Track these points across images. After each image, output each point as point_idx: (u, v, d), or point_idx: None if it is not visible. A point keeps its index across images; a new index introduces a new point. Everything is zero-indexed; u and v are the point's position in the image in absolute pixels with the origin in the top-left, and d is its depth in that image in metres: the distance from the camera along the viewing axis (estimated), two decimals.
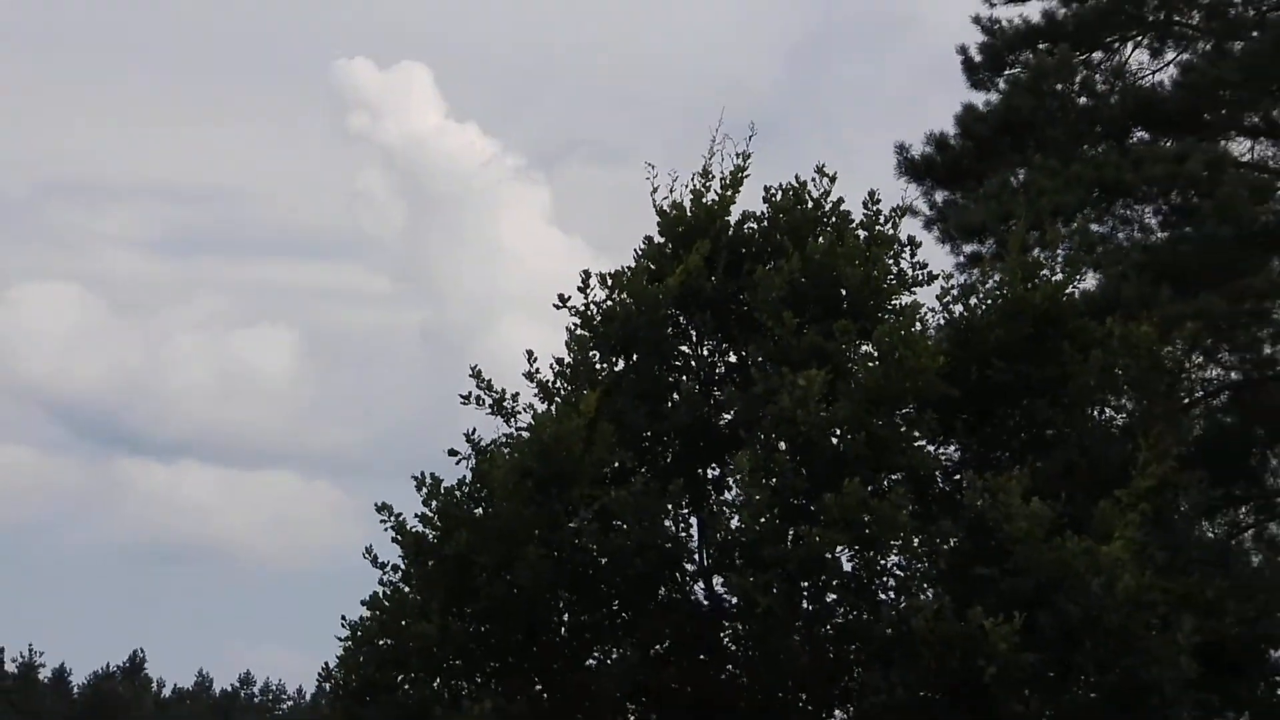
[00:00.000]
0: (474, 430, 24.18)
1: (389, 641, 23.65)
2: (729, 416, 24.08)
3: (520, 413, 24.26)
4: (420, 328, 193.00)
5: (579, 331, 24.50)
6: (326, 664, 24.28)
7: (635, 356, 24.43)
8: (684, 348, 24.68)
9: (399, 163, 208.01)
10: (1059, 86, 29.31)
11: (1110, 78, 30.31)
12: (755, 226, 24.99)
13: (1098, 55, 30.66)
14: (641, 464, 23.80)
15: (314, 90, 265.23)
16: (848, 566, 22.63)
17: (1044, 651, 21.33)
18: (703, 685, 23.54)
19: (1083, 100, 29.63)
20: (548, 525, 22.99)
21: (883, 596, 22.76)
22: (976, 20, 31.24)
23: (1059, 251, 24.88)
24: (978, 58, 31.05)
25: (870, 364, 22.98)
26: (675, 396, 24.21)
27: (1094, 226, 28.61)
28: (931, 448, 23.61)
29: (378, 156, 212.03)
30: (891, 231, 24.79)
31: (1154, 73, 30.56)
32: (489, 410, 24.41)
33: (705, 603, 23.78)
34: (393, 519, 23.82)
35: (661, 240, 24.91)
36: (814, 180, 24.91)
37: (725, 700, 23.41)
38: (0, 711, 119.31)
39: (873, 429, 22.64)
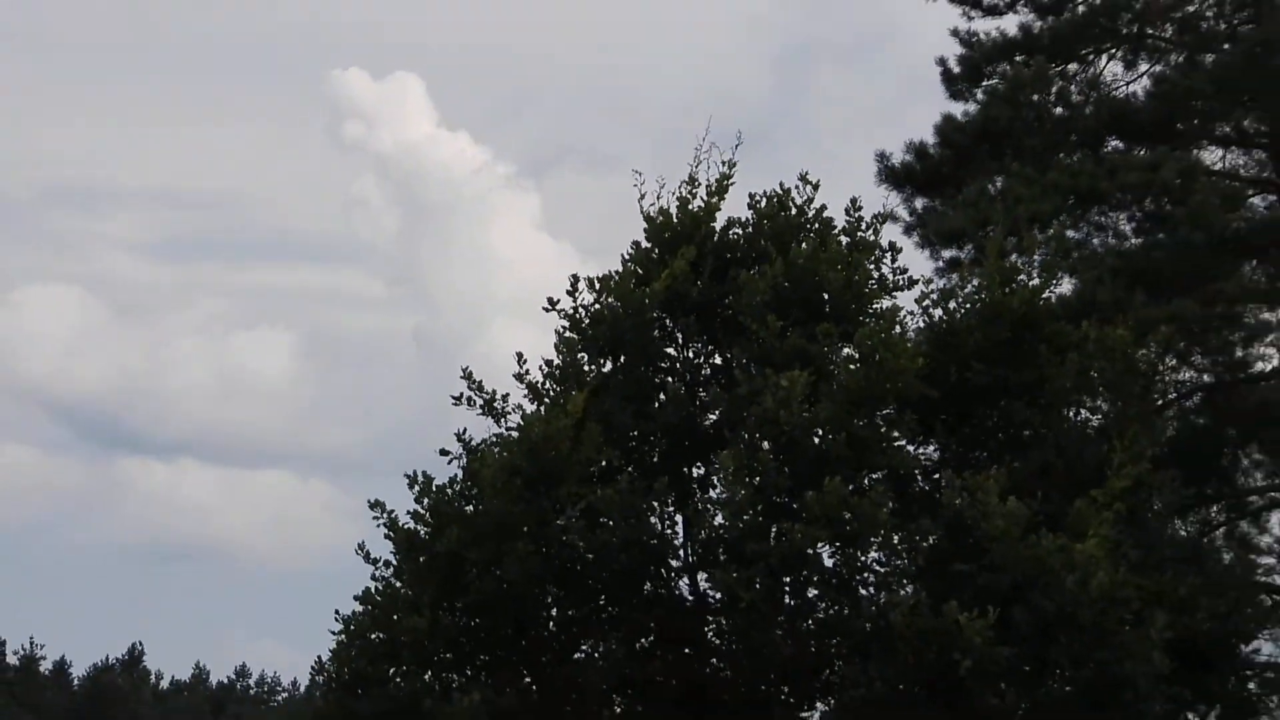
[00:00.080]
0: (465, 430, 24.25)
1: (381, 635, 23.63)
2: (714, 417, 24.08)
3: (510, 413, 24.31)
4: (413, 331, 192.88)
5: (567, 334, 24.51)
6: (319, 657, 24.28)
7: (622, 358, 24.43)
8: (670, 350, 24.69)
9: (393, 170, 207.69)
10: (1035, 97, 29.30)
11: (1085, 89, 30.30)
12: (740, 232, 25.01)
13: (1073, 67, 30.65)
14: (628, 463, 23.79)
15: (311, 100, 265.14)
16: (829, 563, 22.63)
17: (1019, 646, 21.33)
18: (687, 678, 23.53)
19: (1059, 110, 29.62)
20: (536, 522, 22.99)
21: (863, 592, 22.75)
22: (955, 33, 31.25)
23: (1036, 257, 24.86)
24: (956, 69, 31.03)
25: (851, 366, 22.97)
26: (661, 397, 24.22)
27: (1070, 233, 28.61)
28: (911, 447, 23.60)
29: (372, 164, 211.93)
30: (873, 237, 24.87)
31: (1128, 84, 30.56)
32: (480, 411, 24.45)
33: (690, 598, 23.78)
34: (385, 516, 23.84)
35: (648, 246, 24.91)
36: (798, 188, 24.98)
37: (709, 693, 23.40)
38: (2, 703, 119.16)
39: (854, 429, 22.65)
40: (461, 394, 24.42)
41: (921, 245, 30.22)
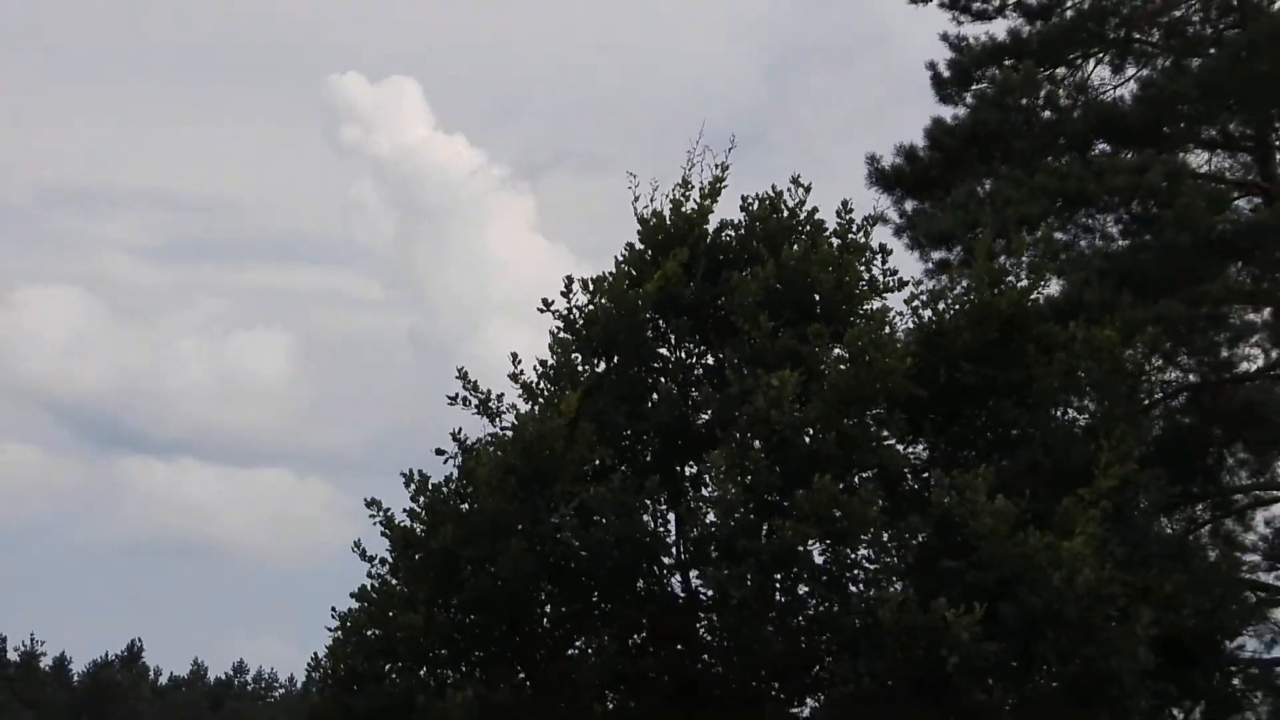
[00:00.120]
0: (460, 430, 24.28)
1: (377, 632, 23.64)
2: (706, 416, 24.10)
3: (505, 413, 24.33)
4: (410, 332, 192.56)
5: (562, 335, 24.55)
6: (316, 654, 24.28)
7: (616, 358, 24.45)
8: (663, 350, 24.72)
9: (390, 173, 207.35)
10: (1024, 101, 29.31)
11: (1073, 93, 30.31)
12: (732, 234, 25.04)
13: (1061, 71, 30.66)
14: (621, 461, 23.81)
15: (309, 103, 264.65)
16: (819, 560, 22.66)
17: (1007, 642, 21.35)
18: (679, 674, 23.55)
19: (1047, 114, 29.63)
20: (530, 520, 23.00)
21: (853, 589, 22.77)
22: (945, 38, 31.27)
23: (1024, 258, 24.91)
24: (946, 73, 31.05)
25: (842, 366, 23.01)
26: (654, 397, 24.24)
27: (1058, 235, 28.63)
28: (900, 446, 23.63)
29: (369, 167, 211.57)
30: (863, 239, 24.90)
31: (1115, 88, 30.56)
32: (475, 411, 24.48)
33: (682, 595, 23.80)
34: (382, 514, 23.85)
35: (642, 247, 24.93)
36: (790, 190, 25.03)
37: (701, 689, 23.42)
38: (3, 699, 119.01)
39: (844, 428, 22.67)
40: (457, 394, 24.47)
41: (911, 247, 30.24)
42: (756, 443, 22.73)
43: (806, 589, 22.76)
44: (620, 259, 24.88)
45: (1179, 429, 29.06)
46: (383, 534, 23.89)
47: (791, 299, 23.95)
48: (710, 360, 24.76)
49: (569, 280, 24.64)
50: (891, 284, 24.76)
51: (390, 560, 23.96)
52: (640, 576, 23.62)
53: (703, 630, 23.80)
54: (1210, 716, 25.62)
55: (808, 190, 25.00)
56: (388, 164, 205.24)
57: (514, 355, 24.46)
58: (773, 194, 24.98)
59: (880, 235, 26.42)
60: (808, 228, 24.87)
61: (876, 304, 24.38)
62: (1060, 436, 23.85)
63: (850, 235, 24.83)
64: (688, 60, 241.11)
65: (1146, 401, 28.55)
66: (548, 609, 23.88)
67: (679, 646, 23.81)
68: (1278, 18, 28.73)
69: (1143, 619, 21.80)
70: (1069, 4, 30.71)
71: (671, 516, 23.84)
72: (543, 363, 24.50)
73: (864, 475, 23.07)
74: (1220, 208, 28.36)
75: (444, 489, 23.70)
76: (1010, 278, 24.24)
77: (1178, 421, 29.47)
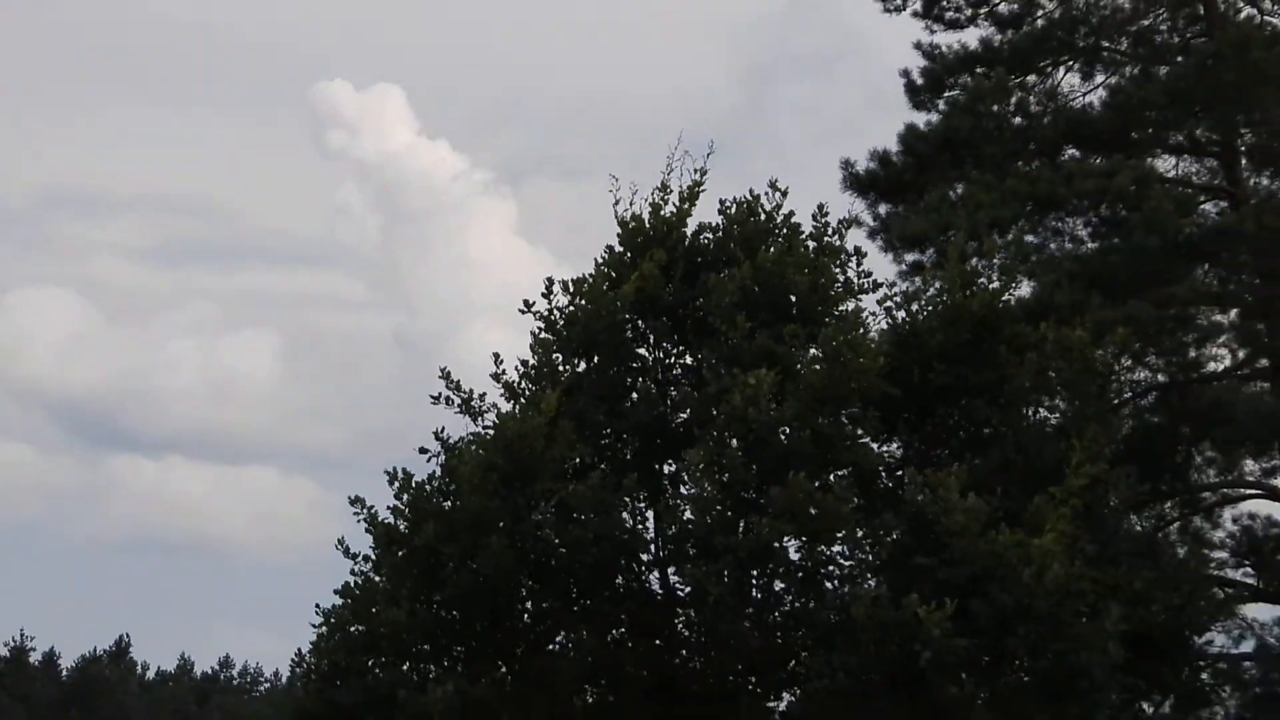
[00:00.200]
0: (443, 429, 24.20)
1: (360, 628, 23.59)
2: (684, 415, 24.07)
3: (487, 412, 24.27)
4: (394, 333, 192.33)
5: (543, 335, 24.53)
6: (300, 649, 24.21)
7: (595, 358, 24.42)
8: (642, 350, 24.68)
9: (375, 178, 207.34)
10: (995, 107, 29.33)
11: (1043, 99, 30.34)
12: (710, 237, 25.02)
13: (1032, 78, 30.66)
14: (600, 460, 23.75)
15: (296, 110, 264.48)
16: (795, 556, 22.61)
17: (978, 638, 21.31)
18: (657, 669, 23.50)
19: (1017, 120, 29.65)
20: (511, 517, 22.95)
21: (828, 585, 22.75)
22: (918, 46, 31.27)
23: (995, 261, 24.91)
24: (919, 81, 31.03)
25: (817, 366, 22.96)
26: (633, 396, 24.22)
27: (1028, 237, 28.61)
28: (874, 445, 23.59)
29: (355, 172, 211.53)
30: (838, 242, 24.89)
31: (1084, 95, 30.56)
32: (458, 410, 24.41)
33: (660, 591, 23.76)
34: (366, 512, 23.79)
35: (621, 250, 24.89)
36: (766, 194, 25.03)
37: (679, 683, 23.38)
38: None
39: (819, 427, 22.64)
40: (440, 393, 24.41)
41: (885, 250, 30.19)
42: (733, 441, 22.69)
43: (782, 585, 22.73)
44: (600, 261, 24.86)
45: (1148, 428, 29.06)
46: (366, 531, 23.84)
47: (768, 300, 23.91)
48: (688, 360, 24.73)
49: (550, 282, 24.65)
50: (866, 285, 24.76)
51: (374, 557, 23.91)
52: (619, 573, 23.57)
53: (680, 626, 23.77)
54: (1179, 710, 25.62)
55: (784, 194, 25.04)
56: (373, 169, 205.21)
57: (496, 355, 24.47)
58: (750, 198, 24.97)
59: (855, 238, 26.41)
60: (784, 231, 24.85)
61: (851, 305, 24.38)
62: (1031, 435, 23.83)
63: (825, 238, 24.82)
64: (668, 69, 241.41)
65: (1116, 401, 28.51)
66: (528, 605, 23.83)
67: (657, 642, 23.76)
68: (1243, 27, 28.75)
69: (1112, 615, 21.78)
70: (1040, 13, 30.75)
71: (650, 514, 23.80)
72: (524, 363, 24.47)
73: (839, 473, 23.03)
74: (1187, 211, 28.36)
75: (427, 487, 23.64)
76: (982, 280, 24.23)
77: (1147, 420, 29.46)
